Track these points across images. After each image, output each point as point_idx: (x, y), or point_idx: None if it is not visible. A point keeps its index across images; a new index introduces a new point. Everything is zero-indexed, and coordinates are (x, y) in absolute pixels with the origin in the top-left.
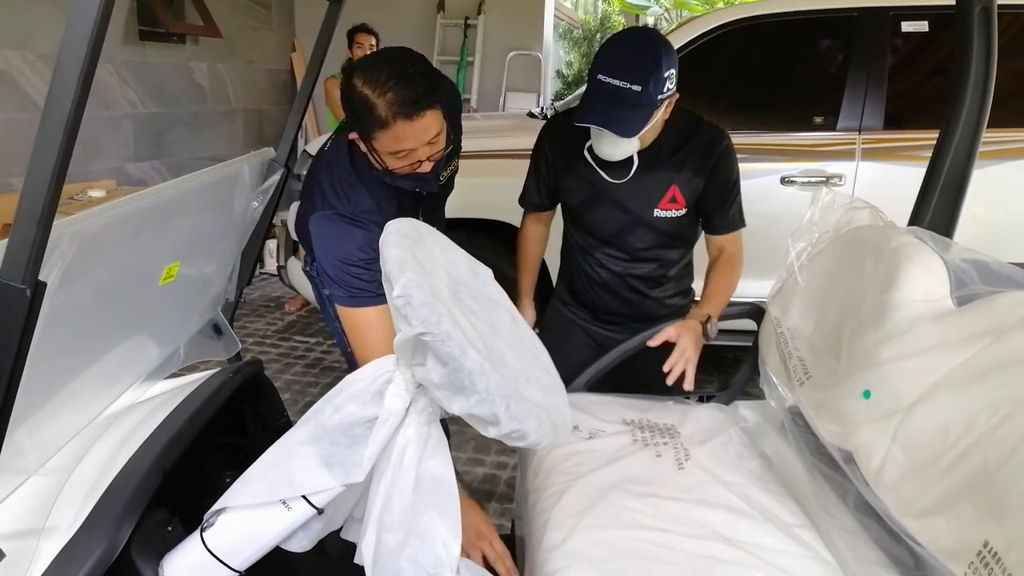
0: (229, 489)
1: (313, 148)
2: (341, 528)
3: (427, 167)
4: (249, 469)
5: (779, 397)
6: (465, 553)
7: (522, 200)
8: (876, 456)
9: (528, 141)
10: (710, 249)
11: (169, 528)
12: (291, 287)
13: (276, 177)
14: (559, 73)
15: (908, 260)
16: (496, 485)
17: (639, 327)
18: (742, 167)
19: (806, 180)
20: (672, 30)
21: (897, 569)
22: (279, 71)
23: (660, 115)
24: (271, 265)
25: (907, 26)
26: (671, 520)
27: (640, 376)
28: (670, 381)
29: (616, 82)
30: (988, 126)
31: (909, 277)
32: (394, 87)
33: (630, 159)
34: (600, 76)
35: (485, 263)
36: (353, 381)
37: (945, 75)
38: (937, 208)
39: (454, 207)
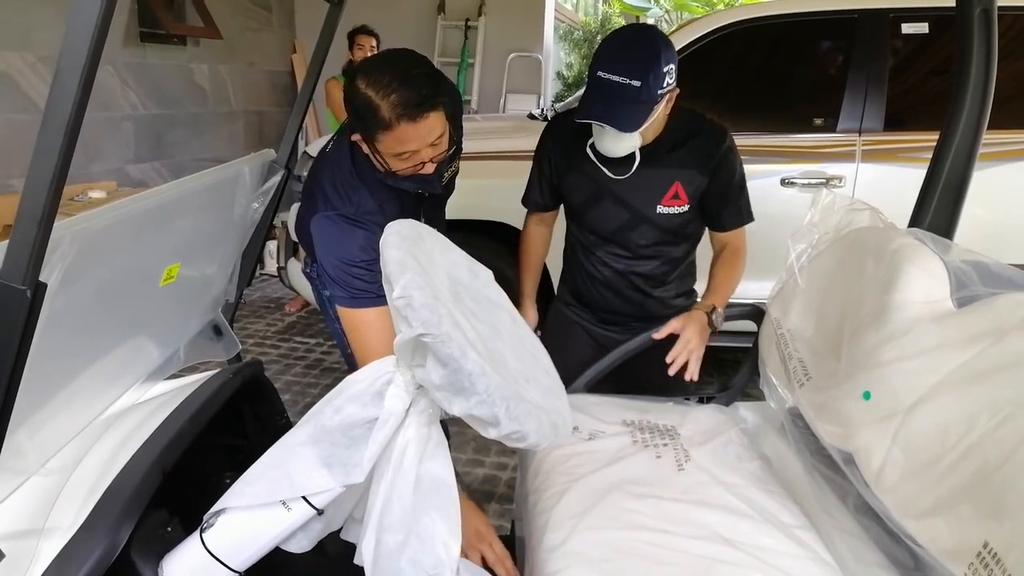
0: (229, 490)
1: (314, 149)
2: (341, 529)
3: (430, 168)
4: (249, 470)
5: (779, 398)
6: (464, 555)
7: (525, 200)
8: (876, 457)
9: (528, 143)
10: (714, 243)
11: (169, 529)
12: (291, 288)
13: (276, 178)
14: (559, 75)
15: (908, 262)
16: (496, 486)
17: (641, 327)
18: None
19: (806, 182)
20: (672, 32)
21: (897, 570)
22: (280, 73)
23: (661, 110)
24: (271, 266)
25: (907, 28)
26: (671, 521)
27: (641, 375)
28: (672, 372)
29: (616, 78)
30: (988, 128)
31: (909, 279)
32: (398, 89)
33: (632, 155)
34: (600, 72)
35: (485, 264)
36: (353, 382)
37: (945, 77)
38: (937, 210)
39: (454, 208)
